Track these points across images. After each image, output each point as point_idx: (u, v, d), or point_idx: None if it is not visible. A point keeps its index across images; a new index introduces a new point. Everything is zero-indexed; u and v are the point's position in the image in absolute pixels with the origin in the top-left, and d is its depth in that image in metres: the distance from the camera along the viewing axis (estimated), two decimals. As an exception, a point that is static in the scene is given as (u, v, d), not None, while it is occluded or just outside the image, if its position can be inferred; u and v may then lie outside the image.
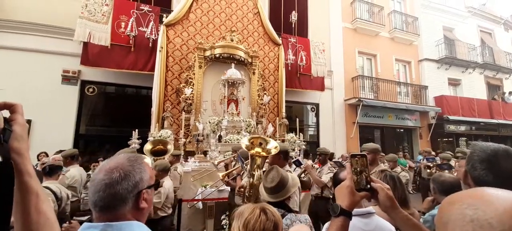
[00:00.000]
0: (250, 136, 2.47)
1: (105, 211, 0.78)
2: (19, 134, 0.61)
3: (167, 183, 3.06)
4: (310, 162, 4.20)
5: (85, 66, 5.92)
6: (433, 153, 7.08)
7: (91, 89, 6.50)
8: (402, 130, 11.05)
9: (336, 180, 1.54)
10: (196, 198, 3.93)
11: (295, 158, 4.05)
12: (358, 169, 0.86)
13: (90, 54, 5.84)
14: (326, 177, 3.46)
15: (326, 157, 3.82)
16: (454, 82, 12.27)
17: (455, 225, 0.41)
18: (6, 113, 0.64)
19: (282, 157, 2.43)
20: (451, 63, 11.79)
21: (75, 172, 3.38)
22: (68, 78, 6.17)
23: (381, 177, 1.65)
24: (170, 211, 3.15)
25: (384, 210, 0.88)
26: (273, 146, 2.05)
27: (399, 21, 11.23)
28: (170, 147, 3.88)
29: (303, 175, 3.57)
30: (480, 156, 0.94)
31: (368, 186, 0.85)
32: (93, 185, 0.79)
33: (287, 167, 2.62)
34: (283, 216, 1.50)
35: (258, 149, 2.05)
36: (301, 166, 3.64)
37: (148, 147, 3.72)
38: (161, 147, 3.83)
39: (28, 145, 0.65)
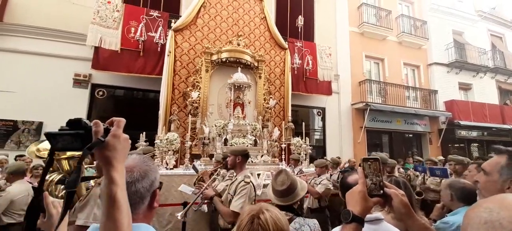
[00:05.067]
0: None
1: None
2: (110, 144, 0.66)
3: (15, 188, 2.79)
4: (208, 170, 3.44)
5: (96, 70, 6.08)
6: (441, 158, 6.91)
7: (101, 93, 6.65)
8: (411, 135, 10.83)
9: (343, 185, 1.52)
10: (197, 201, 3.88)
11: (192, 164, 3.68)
12: (371, 173, 0.81)
13: (101, 58, 5.99)
14: (221, 186, 2.89)
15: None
16: (464, 87, 12.00)
17: (472, 228, 0.43)
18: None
19: None
20: (461, 68, 11.55)
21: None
22: (79, 82, 6.34)
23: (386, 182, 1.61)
24: (22, 218, 2.80)
25: (398, 218, 0.84)
26: None
27: (407, 25, 11.11)
28: None
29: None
30: None
31: (381, 191, 0.81)
32: None
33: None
34: (291, 220, 1.49)
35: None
36: (198, 173, 3.22)
37: (32, 148, 3.06)
38: None
39: (121, 155, 0.68)
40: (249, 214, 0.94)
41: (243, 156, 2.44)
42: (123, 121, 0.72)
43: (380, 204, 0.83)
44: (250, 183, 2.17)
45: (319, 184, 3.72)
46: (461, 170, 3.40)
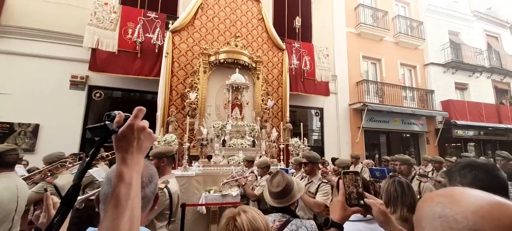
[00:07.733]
0: None
1: None
2: (122, 134, 0.62)
3: None
4: None
5: (93, 72, 6.05)
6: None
7: (98, 94, 6.62)
8: (408, 135, 10.89)
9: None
10: (199, 202, 3.93)
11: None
12: (350, 185, 0.91)
13: (98, 60, 5.97)
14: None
15: None
16: (461, 87, 12.10)
17: (426, 222, 0.44)
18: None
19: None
20: (457, 68, 11.65)
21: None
22: (76, 84, 6.31)
23: (389, 182, 1.62)
24: None
25: (380, 225, 0.92)
26: None
27: (403, 26, 11.19)
28: None
29: None
30: (456, 167, 1.05)
31: (361, 201, 0.89)
32: None
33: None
34: (288, 221, 1.50)
35: None
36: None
37: None
38: None
39: (135, 147, 0.62)
40: (226, 217, 0.97)
41: (168, 157, 2.13)
42: (142, 109, 0.66)
43: (361, 213, 0.91)
44: (164, 190, 1.88)
45: (258, 186, 3.31)
46: (406, 170, 3.19)
